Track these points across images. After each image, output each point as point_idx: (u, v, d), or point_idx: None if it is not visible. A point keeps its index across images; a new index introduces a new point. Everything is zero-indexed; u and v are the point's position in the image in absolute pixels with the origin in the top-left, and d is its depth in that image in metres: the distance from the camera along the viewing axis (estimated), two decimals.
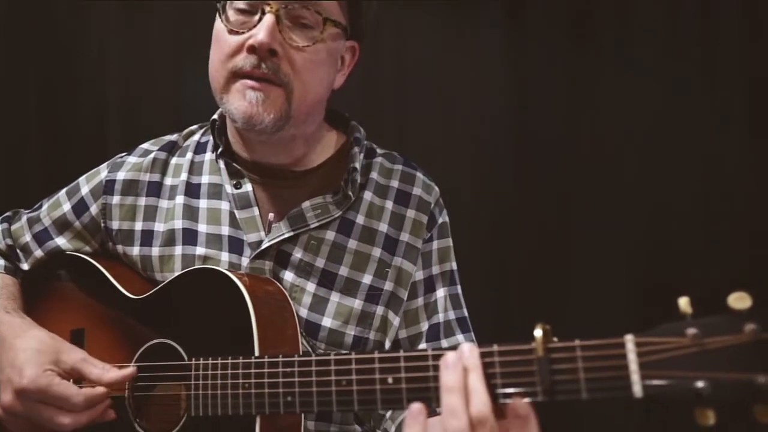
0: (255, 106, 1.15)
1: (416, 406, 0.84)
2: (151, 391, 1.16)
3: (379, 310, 1.26)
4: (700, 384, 0.72)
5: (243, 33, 1.16)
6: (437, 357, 0.86)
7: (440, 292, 1.30)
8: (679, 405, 0.73)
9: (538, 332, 0.80)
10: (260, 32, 1.13)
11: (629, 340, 0.76)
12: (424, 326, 1.29)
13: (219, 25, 1.20)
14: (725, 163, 2.41)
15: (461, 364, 0.82)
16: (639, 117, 2.43)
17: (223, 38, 1.19)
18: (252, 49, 1.15)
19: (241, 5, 1.17)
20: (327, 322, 1.23)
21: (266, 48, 1.14)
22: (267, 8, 1.14)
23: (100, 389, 1.12)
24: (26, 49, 2.25)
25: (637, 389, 0.74)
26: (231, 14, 1.18)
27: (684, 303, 0.75)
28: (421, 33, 2.48)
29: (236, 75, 1.17)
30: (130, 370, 1.14)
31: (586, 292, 2.37)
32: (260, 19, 1.14)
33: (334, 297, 1.25)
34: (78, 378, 1.14)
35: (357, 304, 1.25)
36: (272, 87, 1.16)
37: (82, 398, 1.11)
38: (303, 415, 1.11)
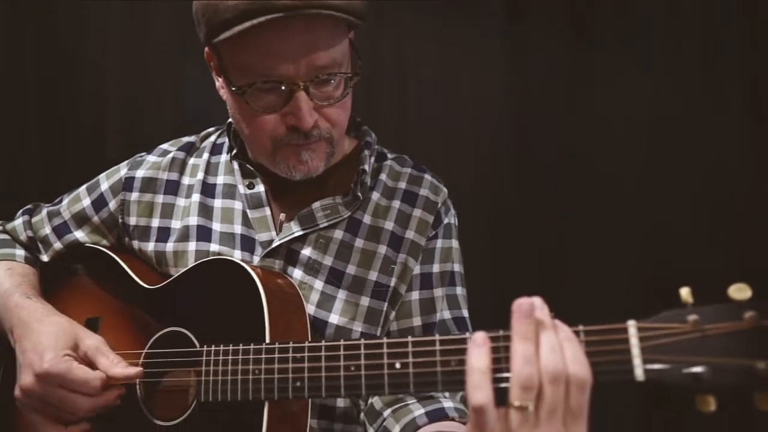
0: (311, 162, 1.23)
1: (480, 334, 0.78)
2: (161, 378, 1.18)
3: (387, 306, 1.27)
4: (700, 369, 0.72)
5: (276, 111, 1.18)
6: (444, 342, 0.87)
7: (437, 292, 1.30)
8: (679, 390, 0.73)
9: None
10: (301, 117, 1.15)
11: (632, 325, 0.77)
12: (416, 321, 1.28)
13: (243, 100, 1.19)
14: (726, 158, 2.42)
15: (535, 315, 0.76)
16: (639, 115, 2.44)
17: (254, 117, 1.20)
18: (295, 129, 1.18)
19: (267, 87, 1.16)
20: (334, 319, 1.24)
21: (311, 128, 1.18)
22: (295, 87, 1.14)
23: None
24: (26, 48, 2.25)
25: (639, 373, 0.75)
26: (254, 96, 1.17)
27: (685, 293, 0.76)
28: (421, 33, 2.49)
29: (285, 145, 1.21)
30: (136, 369, 1.16)
31: (587, 288, 2.36)
32: (290, 96, 1.15)
33: (341, 295, 1.26)
34: (90, 364, 1.17)
35: (364, 301, 1.26)
36: (319, 143, 1.22)
37: (99, 382, 1.14)
38: (310, 402, 1.13)
